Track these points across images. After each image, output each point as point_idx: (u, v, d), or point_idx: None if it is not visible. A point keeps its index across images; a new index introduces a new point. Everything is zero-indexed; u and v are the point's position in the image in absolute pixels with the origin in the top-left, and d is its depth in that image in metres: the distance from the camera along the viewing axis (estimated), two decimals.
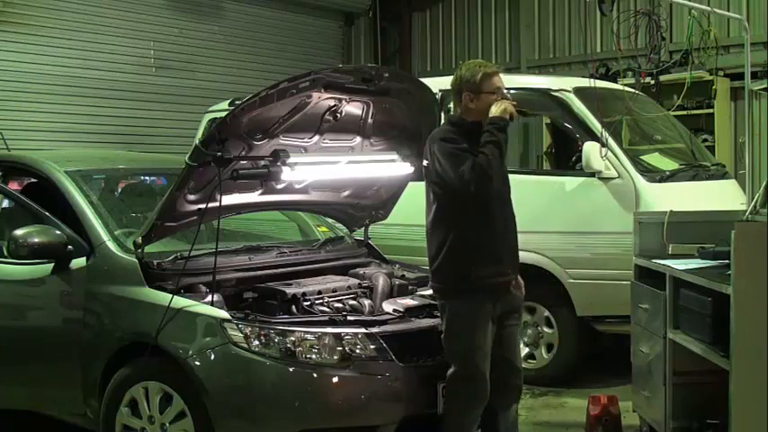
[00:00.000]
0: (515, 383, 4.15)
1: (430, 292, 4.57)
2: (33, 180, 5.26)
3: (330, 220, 5.50)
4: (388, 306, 4.30)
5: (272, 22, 11.38)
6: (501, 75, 4.02)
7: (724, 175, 6.60)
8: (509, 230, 4.06)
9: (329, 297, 4.37)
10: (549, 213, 5.98)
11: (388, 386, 3.89)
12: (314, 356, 3.81)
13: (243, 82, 10.24)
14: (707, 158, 6.72)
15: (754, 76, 7.81)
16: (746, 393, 3.52)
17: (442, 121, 4.77)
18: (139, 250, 4.14)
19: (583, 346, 6.15)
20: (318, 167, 4.52)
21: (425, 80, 4.90)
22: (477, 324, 3.90)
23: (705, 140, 8.59)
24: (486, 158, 3.78)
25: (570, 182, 5.99)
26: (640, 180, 5.78)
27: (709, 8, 7.22)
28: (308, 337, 3.84)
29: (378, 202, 5.18)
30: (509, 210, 4.07)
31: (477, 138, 3.88)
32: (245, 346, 3.78)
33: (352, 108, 4.43)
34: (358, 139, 4.68)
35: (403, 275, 4.86)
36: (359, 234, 5.41)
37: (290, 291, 4.23)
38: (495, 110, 3.88)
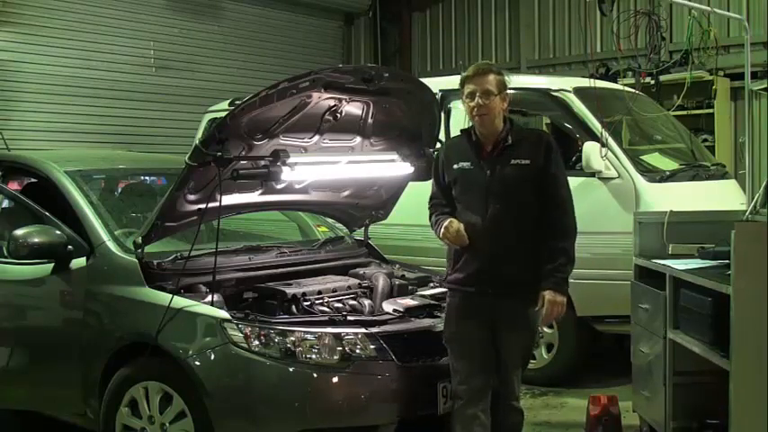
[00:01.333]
0: (504, 402, 3.91)
1: (430, 291, 4.59)
2: (33, 180, 5.26)
3: (330, 220, 5.50)
4: (388, 306, 4.30)
5: (272, 22, 11.38)
6: (489, 76, 3.75)
7: (724, 175, 6.59)
8: (490, 254, 3.77)
9: (329, 297, 4.37)
10: None
11: (388, 386, 3.88)
12: (314, 356, 3.80)
13: (243, 82, 10.23)
14: (707, 158, 6.72)
15: (754, 76, 7.80)
16: (746, 393, 3.52)
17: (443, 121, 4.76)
18: (139, 250, 4.14)
19: (583, 346, 6.15)
20: (318, 167, 4.52)
21: (425, 80, 4.89)
22: (451, 315, 3.93)
23: (705, 140, 8.58)
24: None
25: (570, 182, 5.96)
26: (640, 180, 5.77)
27: (709, 8, 7.20)
28: (308, 337, 3.83)
29: (378, 202, 5.18)
30: (505, 234, 3.77)
31: (476, 143, 3.87)
32: (245, 346, 3.78)
33: (352, 108, 4.43)
34: (358, 139, 4.68)
35: (403, 275, 4.86)
36: (359, 234, 5.40)
37: (290, 291, 4.23)
38: (441, 229, 3.84)
